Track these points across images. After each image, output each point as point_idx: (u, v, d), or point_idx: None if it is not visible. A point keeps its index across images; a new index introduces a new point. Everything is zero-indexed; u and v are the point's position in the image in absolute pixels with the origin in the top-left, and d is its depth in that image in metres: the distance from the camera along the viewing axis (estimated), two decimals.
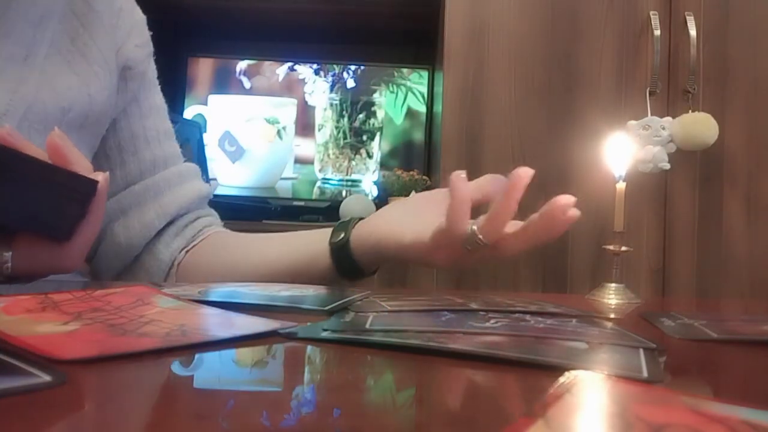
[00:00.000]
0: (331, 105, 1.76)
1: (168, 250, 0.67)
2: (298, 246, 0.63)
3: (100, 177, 0.47)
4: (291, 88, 1.76)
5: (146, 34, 0.71)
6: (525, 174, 0.46)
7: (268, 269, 0.62)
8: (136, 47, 0.68)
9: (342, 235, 0.58)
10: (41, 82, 0.58)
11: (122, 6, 0.68)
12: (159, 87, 0.74)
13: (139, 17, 0.70)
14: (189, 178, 0.71)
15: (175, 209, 0.68)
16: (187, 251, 0.68)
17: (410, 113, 1.76)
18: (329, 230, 0.60)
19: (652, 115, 1.32)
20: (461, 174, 0.48)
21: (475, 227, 0.48)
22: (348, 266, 0.58)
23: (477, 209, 0.50)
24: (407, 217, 0.56)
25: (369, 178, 1.75)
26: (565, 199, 0.45)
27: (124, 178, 0.67)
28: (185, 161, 0.73)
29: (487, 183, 0.53)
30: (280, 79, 1.76)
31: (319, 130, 1.76)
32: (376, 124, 1.76)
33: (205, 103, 1.75)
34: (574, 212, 0.46)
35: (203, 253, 0.68)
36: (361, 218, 0.59)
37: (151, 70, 0.72)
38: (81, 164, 0.47)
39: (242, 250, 0.67)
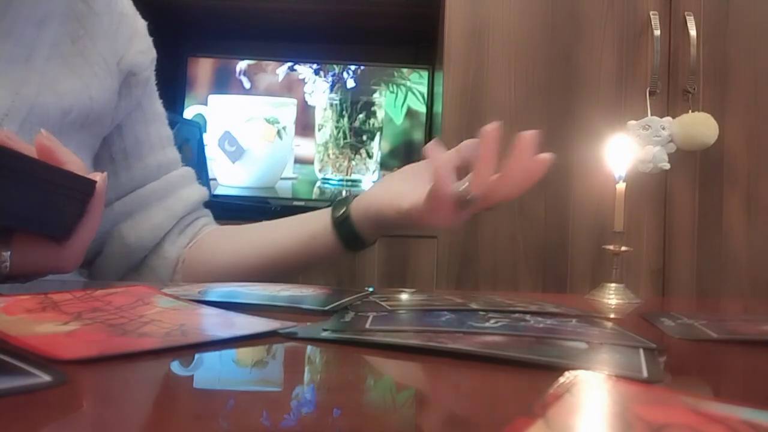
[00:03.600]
0: (331, 105, 1.76)
1: (174, 248, 0.69)
2: (298, 225, 0.68)
3: (98, 177, 0.47)
4: (291, 88, 1.76)
5: (148, 41, 0.71)
6: (492, 129, 0.52)
7: (271, 249, 0.66)
8: (139, 53, 0.69)
9: (344, 210, 0.63)
10: (43, 84, 0.58)
11: (123, 11, 0.68)
12: (158, 93, 0.75)
13: (141, 23, 0.71)
14: (191, 182, 0.75)
15: (182, 211, 0.71)
16: (190, 247, 0.70)
17: (410, 113, 1.76)
18: (327, 210, 0.65)
19: (652, 115, 1.32)
20: (433, 143, 0.55)
21: (466, 184, 0.53)
22: (350, 238, 0.63)
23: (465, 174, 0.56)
24: (403, 187, 0.60)
25: (369, 178, 1.75)
26: (529, 136, 0.52)
27: (130, 182, 0.69)
28: (183, 165, 0.76)
29: (466, 147, 0.58)
30: (280, 79, 1.76)
31: (319, 130, 1.76)
32: (376, 124, 1.76)
33: (205, 103, 1.75)
34: (546, 156, 0.51)
35: (206, 245, 0.71)
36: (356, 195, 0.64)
37: (153, 76, 0.73)
38: (74, 163, 0.46)
39: (244, 235, 0.70)
